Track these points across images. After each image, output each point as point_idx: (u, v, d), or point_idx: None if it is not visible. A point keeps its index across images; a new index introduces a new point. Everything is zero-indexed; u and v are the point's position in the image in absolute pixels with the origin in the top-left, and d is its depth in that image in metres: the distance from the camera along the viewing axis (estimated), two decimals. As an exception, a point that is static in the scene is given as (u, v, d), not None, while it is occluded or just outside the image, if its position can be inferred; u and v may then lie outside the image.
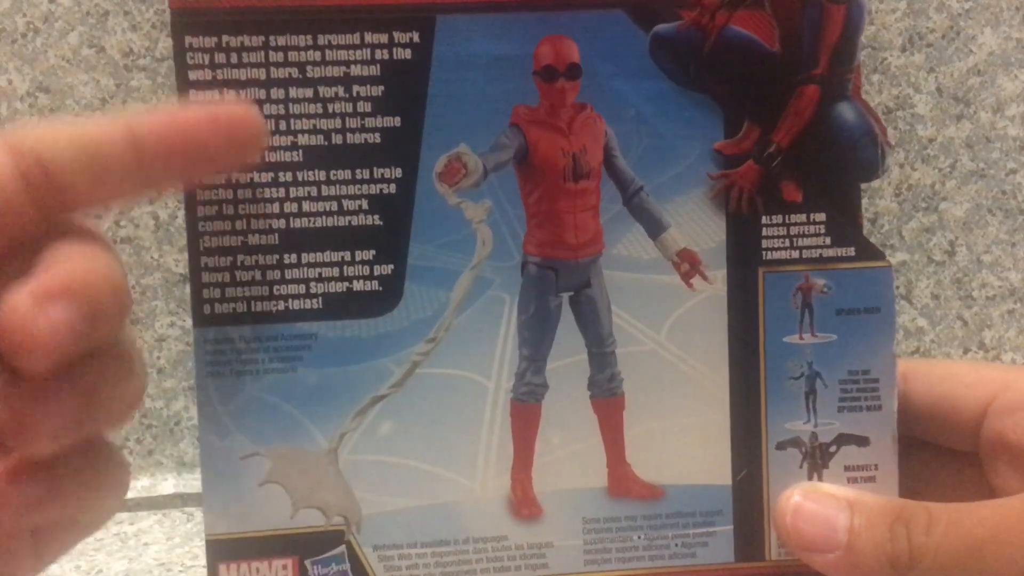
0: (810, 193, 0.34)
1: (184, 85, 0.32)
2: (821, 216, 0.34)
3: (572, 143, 0.33)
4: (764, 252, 0.34)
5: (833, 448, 0.34)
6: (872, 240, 0.41)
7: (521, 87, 0.33)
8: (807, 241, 0.34)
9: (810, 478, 0.34)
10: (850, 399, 0.34)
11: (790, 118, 0.33)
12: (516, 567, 0.34)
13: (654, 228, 0.34)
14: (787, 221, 0.34)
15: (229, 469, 0.33)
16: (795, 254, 0.34)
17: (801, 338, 0.34)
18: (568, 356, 0.34)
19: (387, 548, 0.33)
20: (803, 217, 0.34)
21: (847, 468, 0.34)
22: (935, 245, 0.42)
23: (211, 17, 0.32)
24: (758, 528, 0.35)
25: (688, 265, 0.34)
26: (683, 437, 0.34)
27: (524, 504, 0.34)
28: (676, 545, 0.34)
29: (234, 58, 0.32)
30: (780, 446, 0.34)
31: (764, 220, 0.34)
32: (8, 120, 0.37)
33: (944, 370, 0.36)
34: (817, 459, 0.34)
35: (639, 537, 0.34)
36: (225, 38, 0.32)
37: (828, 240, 0.34)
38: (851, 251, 0.34)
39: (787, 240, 0.34)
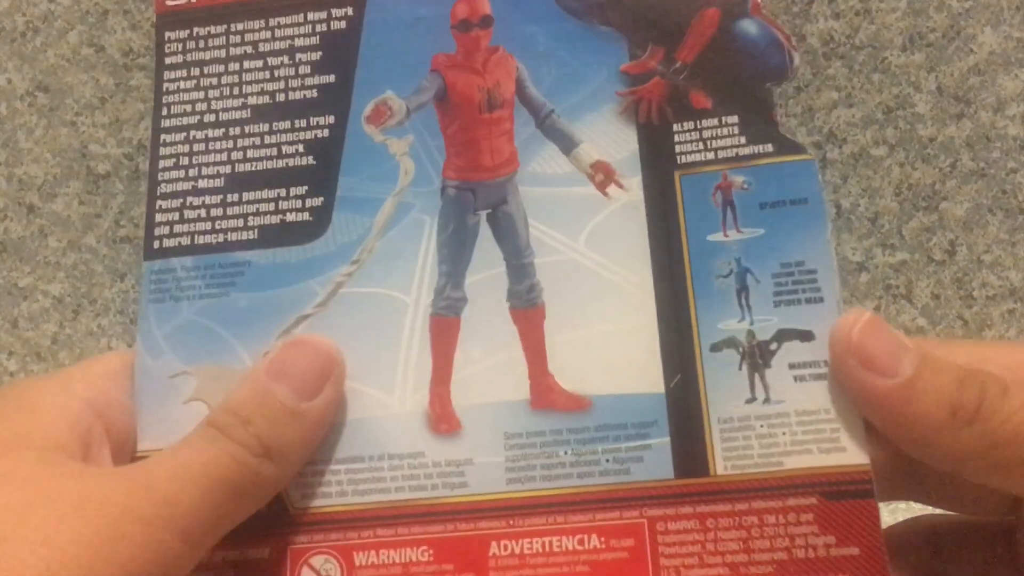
0: (720, 99, 0.34)
1: (160, 68, 0.38)
2: (734, 119, 0.34)
3: (487, 80, 0.36)
4: (679, 156, 0.34)
5: (774, 346, 0.31)
6: (872, 239, 0.40)
7: (440, 41, 0.36)
8: (721, 143, 0.34)
9: (751, 379, 0.31)
10: (787, 292, 0.32)
11: (693, 37, 0.35)
12: (433, 485, 0.32)
13: (567, 145, 0.35)
14: (699, 126, 0.34)
15: (160, 388, 0.34)
16: (710, 155, 0.34)
17: (726, 235, 0.33)
18: (487, 270, 0.34)
19: (300, 464, 0.32)
20: (715, 121, 0.34)
21: (792, 366, 0.31)
22: (935, 244, 0.39)
23: (186, 15, 0.38)
24: (699, 440, 0.31)
25: (602, 175, 0.34)
26: (608, 345, 0.32)
27: (442, 419, 0.32)
28: (607, 461, 0.31)
29: (202, 44, 0.38)
30: (715, 347, 0.32)
31: (676, 127, 0.34)
32: (8, 120, 0.42)
33: (970, 351, 0.32)
34: (757, 359, 0.31)
35: (566, 453, 0.32)
36: (196, 29, 0.38)
37: (743, 139, 0.33)
38: (769, 147, 0.33)
39: (701, 143, 0.34)
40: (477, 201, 0.35)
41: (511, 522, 0.31)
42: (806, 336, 0.31)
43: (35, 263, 0.42)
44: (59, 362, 0.41)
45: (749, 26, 0.35)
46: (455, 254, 0.34)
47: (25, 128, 0.42)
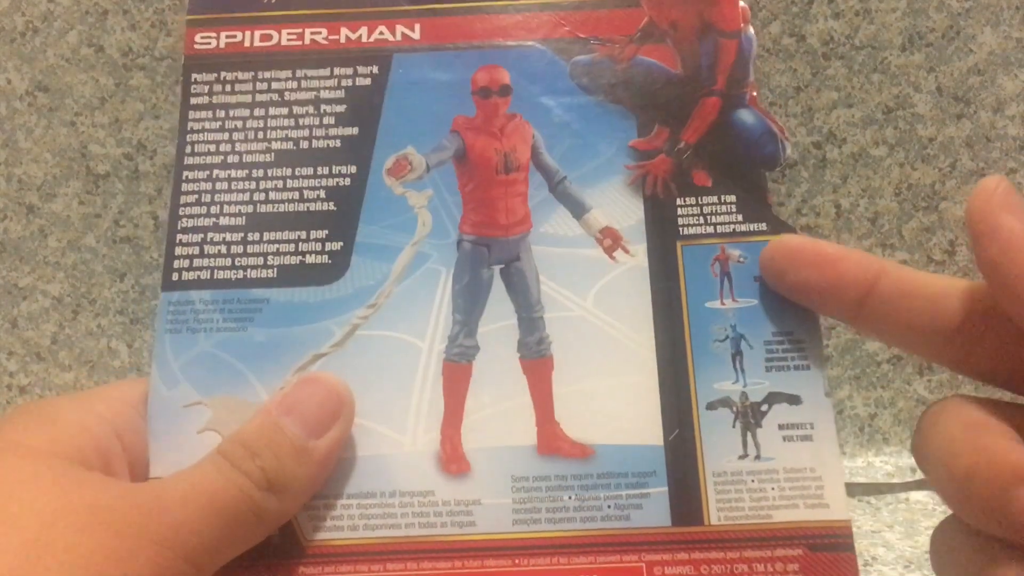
0: (719, 179, 0.37)
1: (186, 108, 0.39)
2: (731, 198, 0.37)
3: (504, 144, 0.38)
4: (681, 228, 0.37)
5: (765, 407, 0.34)
6: (872, 240, 0.42)
7: (461, 104, 0.39)
8: (720, 219, 0.37)
9: (743, 437, 0.34)
10: (777, 359, 0.35)
11: (696, 121, 0.38)
12: (442, 523, 0.33)
13: (578, 210, 0.37)
14: (700, 202, 0.37)
15: (173, 416, 0.34)
16: (710, 229, 0.37)
17: (723, 303, 0.35)
18: (499, 321, 0.36)
19: (313, 498, 0.33)
20: (715, 198, 0.37)
21: (781, 427, 0.34)
22: (935, 245, 0.41)
23: (214, 59, 0.40)
24: (695, 491, 0.33)
25: (610, 240, 0.37)
26: (612, 397, 0.35)
27: (453, 460, 0.34)
28: (609, 507, 0.33)
29: (228, 88, 0.39)
30: (711, 406, 0.34)
31: (679, 201, 0.37)
32: (7, 119, 0.41)
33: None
34: (749, 418, 0.34)
35: (570, 498, 0.33)
36: (223, 73, 0.39)
37: (740, 217, 0.37)
38: (763, 226, 0.36)
39: (701, 218, 0.37)
40: (491, 256, 0.37)
41: (516, 561, 0.33)
42: (794, 400, 0.34)
43: (35, 263, 0.41)
44: (59, 362, 0.41)
45: (746, 116, 0.38)
46: (469, 304, 0.36)
47: (25, 128, 0.41)
